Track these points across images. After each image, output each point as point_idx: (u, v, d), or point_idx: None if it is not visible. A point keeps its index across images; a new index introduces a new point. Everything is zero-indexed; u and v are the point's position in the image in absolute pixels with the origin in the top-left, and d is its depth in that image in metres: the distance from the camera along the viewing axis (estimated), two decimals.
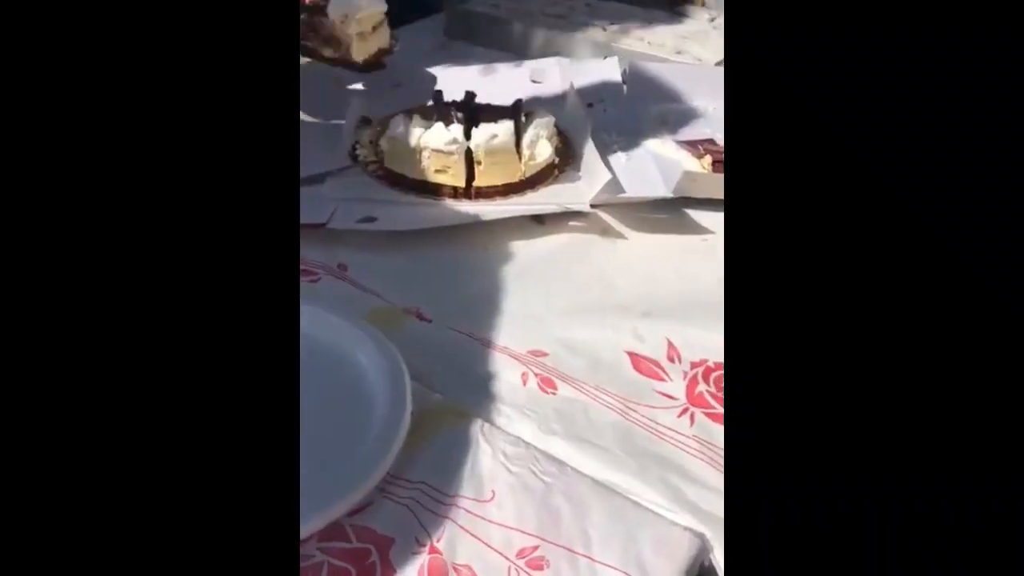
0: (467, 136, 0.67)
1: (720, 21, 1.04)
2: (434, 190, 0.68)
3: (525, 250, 0.64)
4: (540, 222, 0.67)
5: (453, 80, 0.87)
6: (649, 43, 0.96)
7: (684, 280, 0.60)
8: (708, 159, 0.73)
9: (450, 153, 0.67)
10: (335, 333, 0.50)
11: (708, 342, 0.53)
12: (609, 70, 0.90)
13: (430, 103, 0.74)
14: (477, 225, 0.65)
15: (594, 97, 0.86)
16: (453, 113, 0.70)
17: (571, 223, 0.66)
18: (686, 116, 0.82)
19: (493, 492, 0.42)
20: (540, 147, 0.69)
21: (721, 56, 0.92)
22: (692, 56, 0.93)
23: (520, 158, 0.69)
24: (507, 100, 0.80)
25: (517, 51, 0.98)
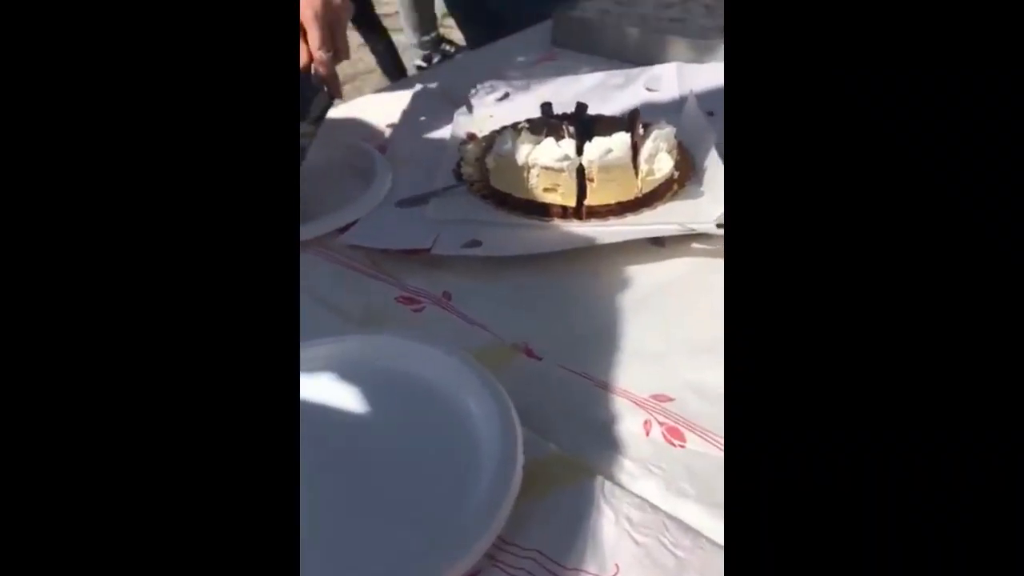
0: (579, 151, 0.62)
1: None
2: (543, 210, 0.64)
3: (643, 277, 0.58)
4: (660, 245, 0.61)
5: (563, 91, 0.83)
6: None
7: None
8: None
9: (561, 170, 0.62)
10: (440, 372, 0.46)
11: None
12: None
13: (539, 116, 0.69)
14: (590, 249, 0.60)
15: (716, 105, 0.79)
16: (564, 127, 0.65)
17: (695, 245, 0.60)
18: None
19: (617, 567, 0.37)
20: (660, 161, 0.63)
21: None
22: None
23: (637, 174, 0.63)
24: (621, 111, 0.74)
25: (630, 58, 0.92)
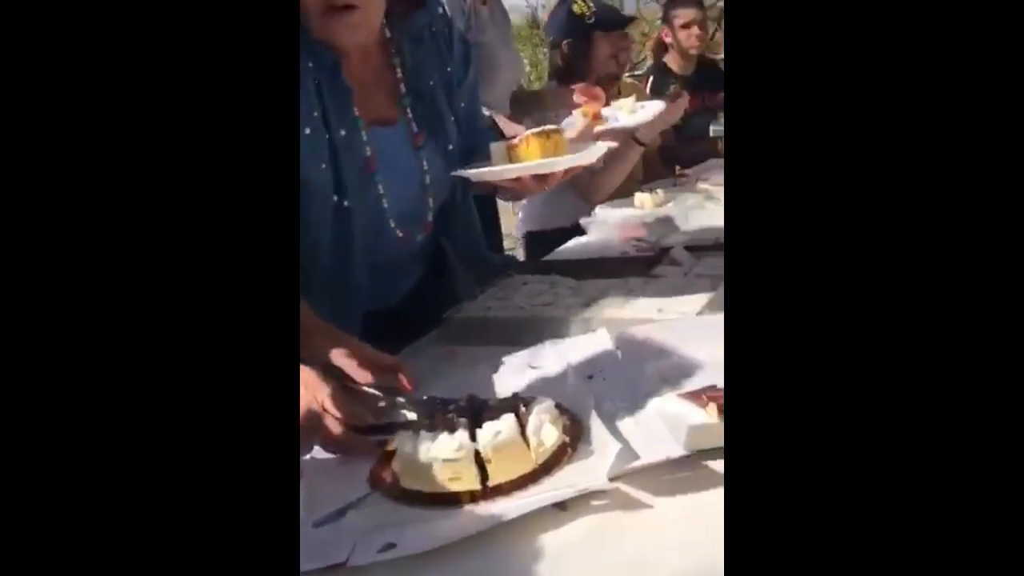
0: (473, 438, 0.69)
1: (693, 274, 1.11)
2: (453, 499, 0.68)
3: (552, 541, 0.62)
4: (563, 508, 0.66)
5: (460, 386, 0.91)
6: (632, 309, 1.02)
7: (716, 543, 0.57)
8: (713, 406, 0.73)
9: (459, 459, 0.68)
10: None
11: None
12: (601, 341, 0.94)
13: (426, 408, 0.77)
14: (499, 526, 0.64)
15: (594, 369, 0.89)
16: (455, 419, 0.72)
17: (594, 503, 0.65)
18: (683, 368, 0.84)
19: None
20: (545, 432, 0.70)
21: (702, 306, 0.97)
22: (675, 311, 0.98)
23: (529, 447, 0.70)
24: (511, 392, 0.83)
25: (516, 343, 1.04)
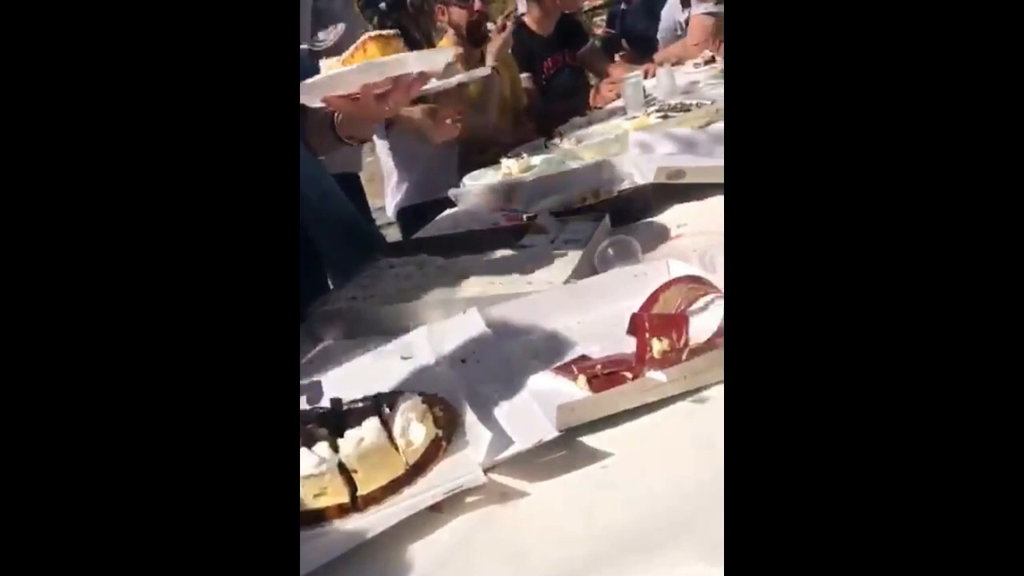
0: (335, 449, 0.64)
1: (560, 239, 1.10)
2: (320, 516, 0.63)
3: (427, 550, 0.59)
4: (439, 510, 0.62)
5: (323, 388, 0.86)
6: (501, 284, 0.99)
7: (593, 526, 0.55)
8: (583, 378, 0.72)
9: (322, 474, 0.63)
10: None
11: None
12: (473, 322, 0.91)
13: None
14: (371, 541, 0.60)
15: (467, 353, 0.86)
16: (314, 431, 0.67)
17: (468, 499, 0.62)
18: (553, 341, 0.83)
19: None
20: (413, 431, 0.67)
21: (568, 273, 0.95)
22: (542, 281, 0.96)
23: (398, 449, 0.66)
24: (386, 386, 0.78)
25: (384, 333, 0.99)
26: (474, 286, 1.01)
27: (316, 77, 0.94)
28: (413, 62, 0.93)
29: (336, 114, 1.05)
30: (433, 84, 0.99)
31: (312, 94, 0.95)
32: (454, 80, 1.04)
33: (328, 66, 0.96)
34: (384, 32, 0.95)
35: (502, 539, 0.58)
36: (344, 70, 0.92)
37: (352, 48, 0.94)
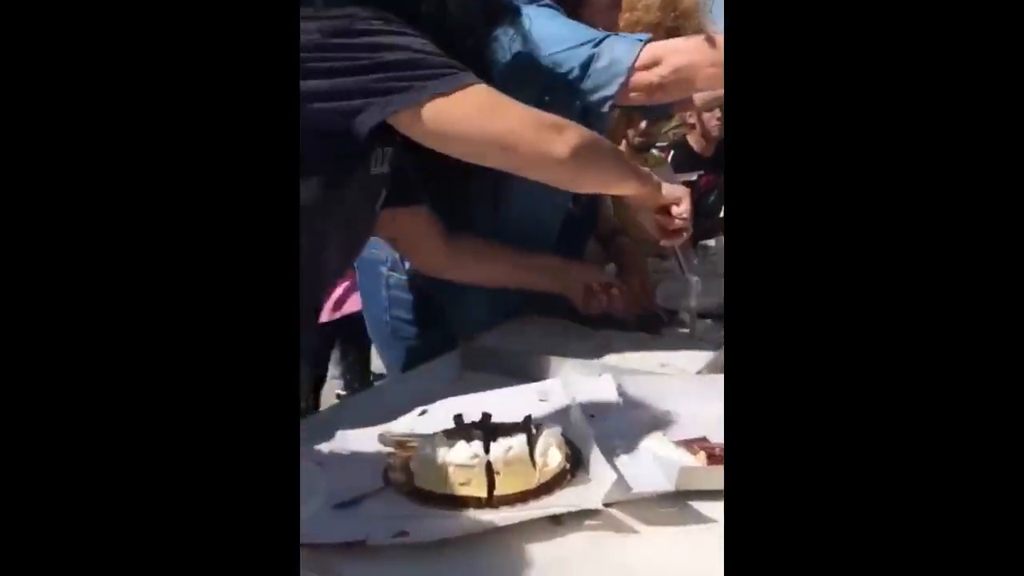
0: (486, 450, 0.77)
1: (696, 336, 1.20)
2: (460, 502, 0.76)
3: (544, 552, 0.69)
4: (558, 523, 0.73)
5: (472, 405, 0.99)
6: (637, 360, 1.10)
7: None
8: (703, 455, 0.81)
9: (472, 467, 0.75)
10: None
11: None
12: (606, 386, 1.02)
13: (452, 427, 0.84)
14: (500, 530, 0.71)
15: (595, 410, 0.97)
16: (473, 431, 0.80)
17: (587, 522, 0.73)
18: (677, 420, 0.93)
19: None
20: (551, 455, 0.78)
21: (701, 366, 1.06)
22: (675, 368, 1.07)
23: (535, 466, 0.78)
24: (519, 418, 0.91)
25: (525, 376, 1.12)
26: (612, 356, 1.13)
27: None
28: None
29: None
30: None
31: None
32: None
33: None
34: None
35: (612, 560, 0.67)
36: None
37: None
